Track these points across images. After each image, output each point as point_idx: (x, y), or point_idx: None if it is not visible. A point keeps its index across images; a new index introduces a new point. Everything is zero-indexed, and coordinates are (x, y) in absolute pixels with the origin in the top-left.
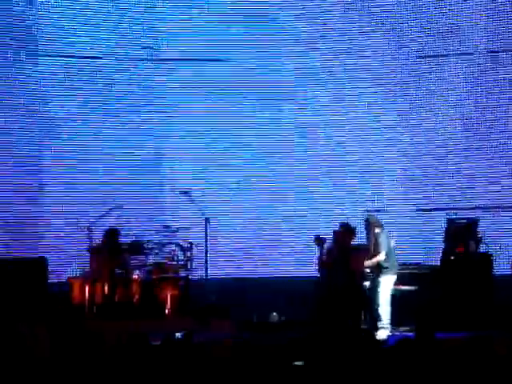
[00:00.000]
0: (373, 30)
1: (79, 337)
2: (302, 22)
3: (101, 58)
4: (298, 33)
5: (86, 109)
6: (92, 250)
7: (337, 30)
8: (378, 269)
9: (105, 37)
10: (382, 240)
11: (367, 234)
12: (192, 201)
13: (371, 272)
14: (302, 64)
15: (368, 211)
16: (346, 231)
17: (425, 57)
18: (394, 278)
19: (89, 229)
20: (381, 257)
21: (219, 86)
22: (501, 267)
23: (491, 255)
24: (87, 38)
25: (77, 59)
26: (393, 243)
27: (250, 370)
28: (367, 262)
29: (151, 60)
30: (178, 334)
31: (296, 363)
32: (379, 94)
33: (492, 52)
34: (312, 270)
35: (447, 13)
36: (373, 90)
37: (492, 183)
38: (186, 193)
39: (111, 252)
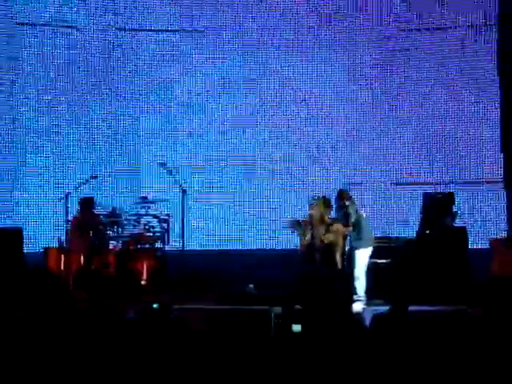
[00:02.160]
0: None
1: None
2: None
3: (76, 27)
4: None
5: (63, 78)
6: (68, 220)
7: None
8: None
9: (82, 5)
10: (351, 212)
11: (336, 206)
12: (169, 172)
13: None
14: (287, 36)
15: (344, 185)
16: (322, 204)
17: (410, 30)
18: (369, 250)
19: (65, 199)
20: (349, 228)
21: (198, 57)
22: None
23: (466, 229)
24: (63, 7)
25: (52, 27)
26: (365, 216)
27: (227, 341)
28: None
29: (130, 30)
30: (154, 305)
31: (294, 328)
32: (360, 67)
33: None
34: (288, 242)
35: None
36: (355, 62)
37: (470, 157)
38: (163, 164)
39: (87, 222)
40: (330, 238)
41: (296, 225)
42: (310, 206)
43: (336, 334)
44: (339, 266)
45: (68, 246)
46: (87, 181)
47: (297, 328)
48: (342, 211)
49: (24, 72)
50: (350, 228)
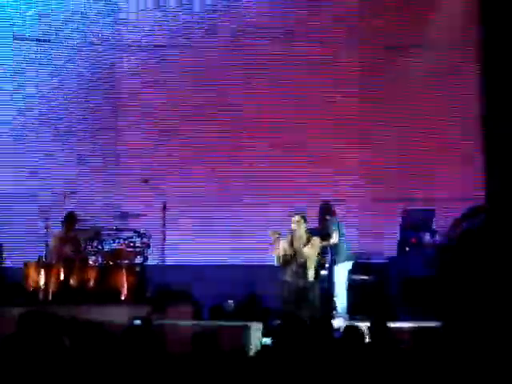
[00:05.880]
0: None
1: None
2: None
3: (49, 40)
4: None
5: (40, 89)
6: (48, 234)
7: (298, 20)
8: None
9: (56, 19)
10: (331, 225)
11: (319, 219)
12: (150, 187)
13: (326, 261)
14: (256, 51)
15: (324, 200)
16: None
17: (386, 47)
18: (348, 266)
19: (45, 213)
20: (334, 239)
21: (176, 72)
22: None
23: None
24: (38, 21)
25: (26, 41)
26: (345, 231)
27: (210, 356)
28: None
29: (106, 45)
30: (136, 321)
31: (264, 341)
32: (338, 83)
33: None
34: (269, 258)
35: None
36: (333, 79)
37: (450, 175)
38: (146, 181)
39: (68, 237)
40: (307, 251)
41: (278, 236)
42: (292, 220)
43: (314, 350)
44: (311, 279)
45: (48, 260)
46: (66, 195)
47: (266, 341)
48: (324, 225)
49: None
50: (331, 241)
